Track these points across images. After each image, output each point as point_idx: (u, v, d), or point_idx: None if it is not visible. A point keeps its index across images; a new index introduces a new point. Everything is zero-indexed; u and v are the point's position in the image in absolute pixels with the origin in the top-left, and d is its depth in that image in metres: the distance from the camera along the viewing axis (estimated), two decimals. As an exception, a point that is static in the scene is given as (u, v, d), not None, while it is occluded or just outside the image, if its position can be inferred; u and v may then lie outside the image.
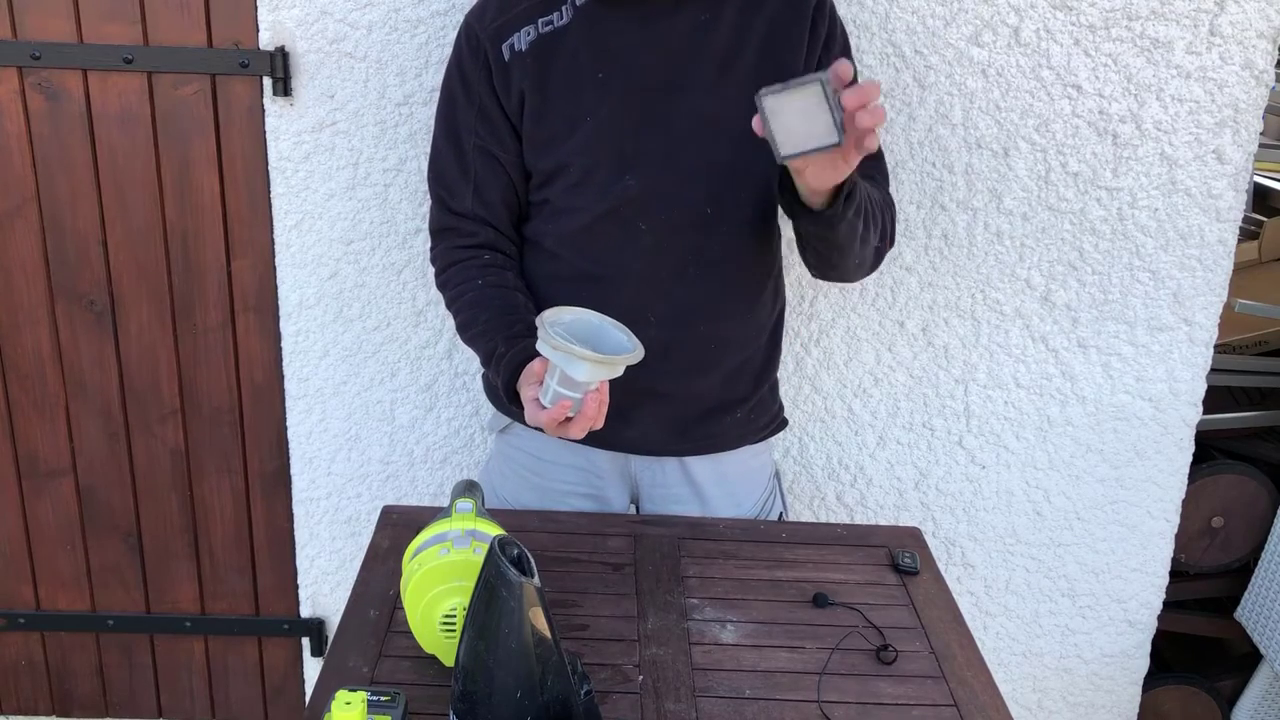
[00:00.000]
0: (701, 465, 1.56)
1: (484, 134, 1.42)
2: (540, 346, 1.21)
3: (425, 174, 1.78)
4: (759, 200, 1.45)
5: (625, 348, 1.22)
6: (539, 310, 1.42)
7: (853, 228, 1.30)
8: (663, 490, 1.58)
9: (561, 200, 1.42)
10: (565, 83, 1.38)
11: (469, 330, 1.43)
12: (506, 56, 1.38)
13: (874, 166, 1.48)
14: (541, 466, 1.58)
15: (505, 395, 1.36)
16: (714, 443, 1.54)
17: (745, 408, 1.54)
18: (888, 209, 1.43)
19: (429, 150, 1.50)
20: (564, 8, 1.38)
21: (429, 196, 1.50)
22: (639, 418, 1.48)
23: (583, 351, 1.16)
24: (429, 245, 1.52)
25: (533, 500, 1.60)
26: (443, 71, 1.52)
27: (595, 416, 1.23)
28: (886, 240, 1.43)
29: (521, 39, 1.38)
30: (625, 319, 1.27)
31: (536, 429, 1.27)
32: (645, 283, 1.41)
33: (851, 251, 1.36)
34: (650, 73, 1.37)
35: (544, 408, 1.22)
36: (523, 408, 1.30)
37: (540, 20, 1.38)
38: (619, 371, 1.22)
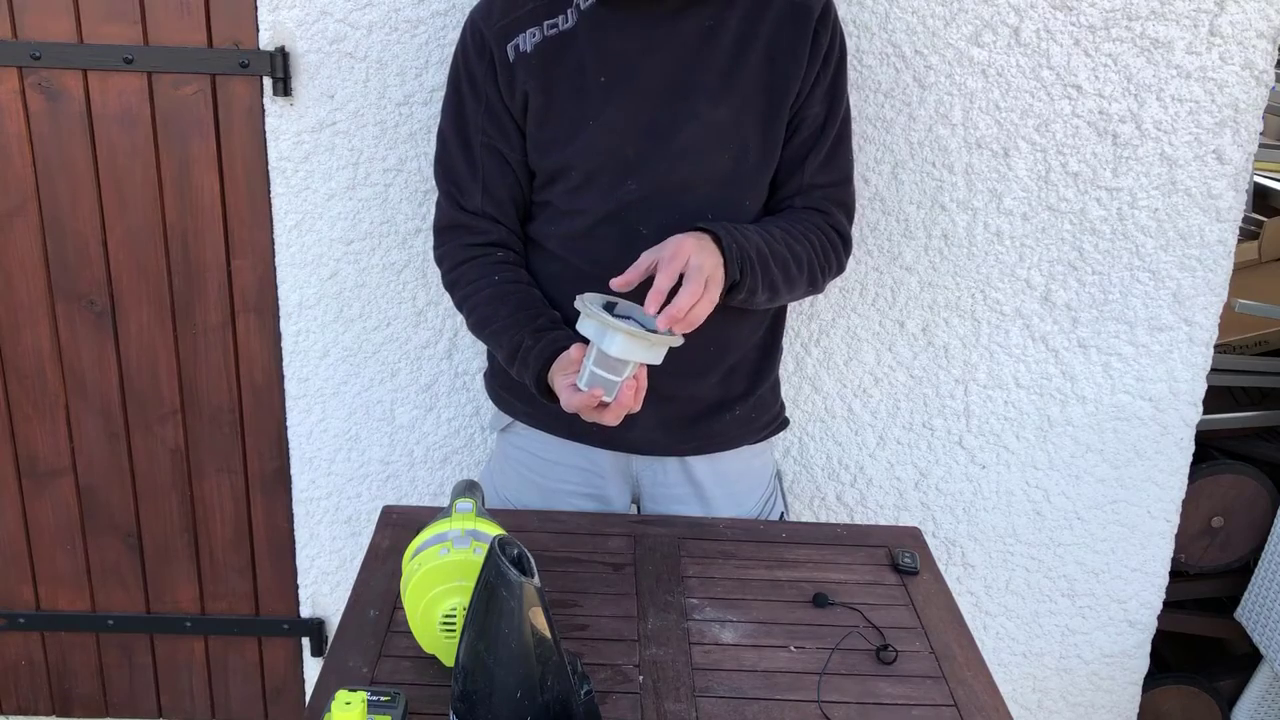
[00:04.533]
0: (702, 465, 1.56)
1: (492, 132, 1.42)
2: (581, 323, 1.21)
3: (426, 173, 1.79)
4: (759, 206, 1.46)
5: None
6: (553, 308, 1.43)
7: (765, 298, 1.38)
8: (664, 490, 1.58)
9: (563, 202, 1.42)
10: (569, 86, 1.38)
11: (488, 326, 1.42)
12: (511, 57, 1.38)
13: (831, 183, 1.48)
14: (543, 466, 1.58)
15: (535, 387, 1.36)
16: (714, 442, 1.54)
17: (745, 405, 1.54)
18: (823, 252, 1.45)
19: (433, 144, 1.50)
20: (569, 10, 1.38)
21: (435, 191, 1.50)
22: (639, 418, 1.48)
23: (620, 324, 1.16)
24: (432, 243, 1.52)
25: (534, 499, 1.60)
26: (443, 71, 1.52)
27: (632, 404, 1.24)
28: (829, 275, 1.48)
29: (526, 40, 1.38)
30: None
31: (571, 415, 1.28)
32: (646, 286, 1.41)
33: (779, 302, 1.45)
34: (653, 78, 1.37)
35: (579, 390, 1.23)
36: (554, 400, 1.32)
37: (545, 22, 1.38)
38: (658, 357, 1.22)
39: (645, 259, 1.26)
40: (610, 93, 1.37)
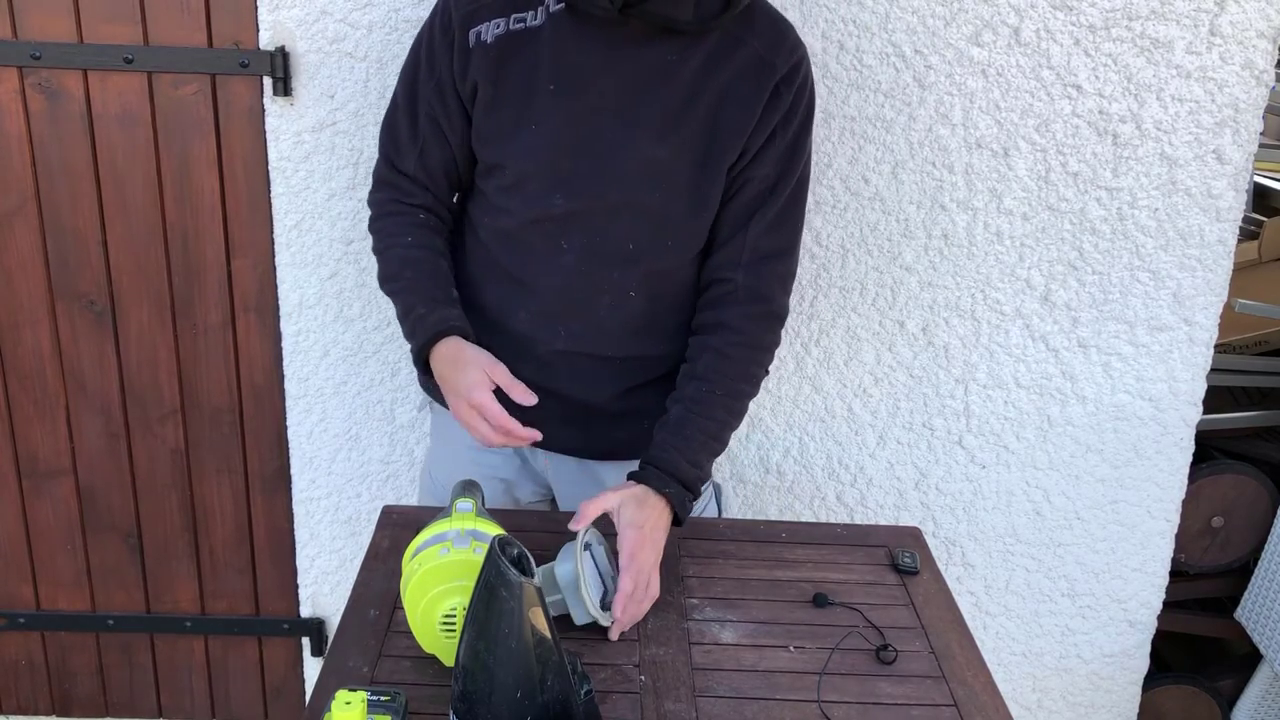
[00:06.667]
0: (611, 471, 1.52)
1: (438, 108, 1.42)
2: (562, 565, 1.27)
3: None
4: (683, 249, 1.43)
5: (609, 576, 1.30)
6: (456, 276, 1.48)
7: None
8: (570, 487, 1.57)
9: (495, 198, 1.43)
10: (518, 85, 1.36)
11: (391, 283, 1.45)
12: (470, 43, 1.37)
13: (775, 251, 1.44)
14: (458, 445, 1.57)
15: (416, 357, 1.40)
16: (618, 450, 1.51)
17: (654, 420, 1.46)
18: (756, 378, 1.45)
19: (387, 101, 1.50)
20: (539, 9, 1.35)
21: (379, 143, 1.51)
22: (544, 416, 1.40)
23: (597, 613, 1.25)
24: (370, 188, 1.52)
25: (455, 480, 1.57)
26: None
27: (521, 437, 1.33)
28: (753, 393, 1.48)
29: (489, 30, 1.36)
30: (537, 327, 1.39)
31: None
32: (560, 298, 1.42)
33: None
34: (602, 99, 1.35)
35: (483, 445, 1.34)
36: (428, 371, 1.40)
37: (513, 15, 1.36)
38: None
39: (593, 508, 1.30)
40: (557, 102, 1.35)
